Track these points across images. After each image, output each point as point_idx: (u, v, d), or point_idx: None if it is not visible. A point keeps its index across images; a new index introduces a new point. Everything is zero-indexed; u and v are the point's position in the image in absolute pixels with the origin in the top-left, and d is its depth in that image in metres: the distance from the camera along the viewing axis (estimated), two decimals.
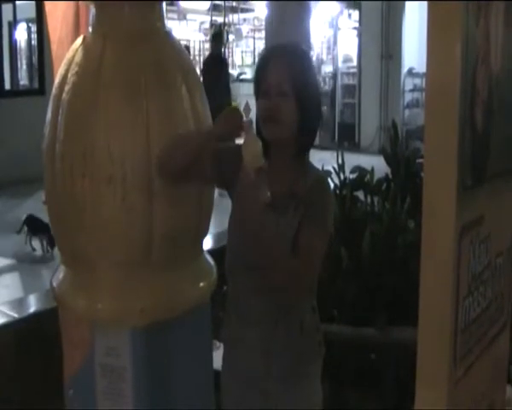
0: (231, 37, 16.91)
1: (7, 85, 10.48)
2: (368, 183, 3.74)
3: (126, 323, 2.18)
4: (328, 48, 14.85)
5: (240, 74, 15.97)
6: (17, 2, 10.50)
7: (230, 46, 17.31)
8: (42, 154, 2.25)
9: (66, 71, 2.19)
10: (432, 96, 1.42)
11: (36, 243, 6.23)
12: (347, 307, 3.22)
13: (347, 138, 12.89)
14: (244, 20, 18.36)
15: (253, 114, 1.94)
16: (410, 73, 12.23)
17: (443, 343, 1.45)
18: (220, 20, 15.35)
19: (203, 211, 2.30)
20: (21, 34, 12.96)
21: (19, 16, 10.81)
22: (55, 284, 2.33)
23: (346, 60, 13.57)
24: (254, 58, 17.60)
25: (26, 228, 6.22)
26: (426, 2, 1.40)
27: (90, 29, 2.30)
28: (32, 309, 3.38)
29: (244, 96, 10.31)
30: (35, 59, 11.07)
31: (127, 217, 2.10)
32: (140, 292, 2.17)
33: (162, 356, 2.21)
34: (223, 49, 10.76)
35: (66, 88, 2.16)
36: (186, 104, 2.19)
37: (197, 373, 2.33)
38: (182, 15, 17.07)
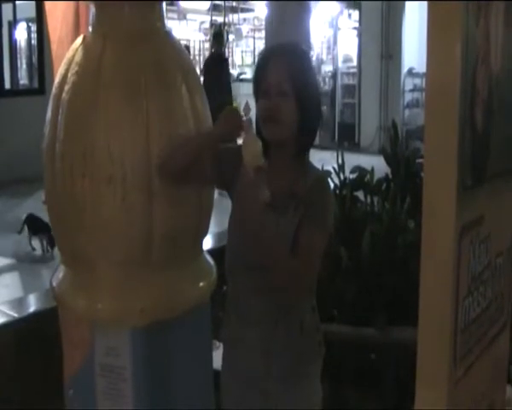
0: (231, 37, 16.91)
1: (7, 85, 10.47)
2: (368, 183, 3.73)
3: (126, 323, 2.18)
4: (328, 48, 14.84)
5: (240, 74, 15.96)
6: (17, 2, 10.48)
7: (230, 46, 17.31)
8: (42, 153, 2.25)
9: (66, 70, 2.19)
10: (432, 96, 1.42)
11: (36, 243, 6.22)
12: (347, 306, 3.22)
13: (347, 138, 12.87)
14: (244, 20, 18.36)
15: (252, 114, 1.94)
16: (410, 73, 12.21)
17: (443, 343, 1.45)
18: (220, 19, 15.36)
19: (203, 211, 2.30)
20: (21, 34, 12.95)
21: (19, 16, 10.78)
22: (54, 284, 2.33)
23: (346, 60, 13.55)
24: (254, 58, 17.58)
25: (26, 228, 6.22)
26: (426, 2, 1.40)
27: (90, 29, 2.30)
28: (31, 309, 3.37)
29: (244, 96, 10.29)
30: (35, 58, 11.05)
31: (127, 217, 2.10)
32: (140, 292, 2.17)
33: (162, 356, 2.21)
34: (223, 49, 10.76)
35: (66, 88, 2.16)
36: (186, 104, 2.19)
37: (197, 373, 2.33)
38: (182, 15, 17.07)
